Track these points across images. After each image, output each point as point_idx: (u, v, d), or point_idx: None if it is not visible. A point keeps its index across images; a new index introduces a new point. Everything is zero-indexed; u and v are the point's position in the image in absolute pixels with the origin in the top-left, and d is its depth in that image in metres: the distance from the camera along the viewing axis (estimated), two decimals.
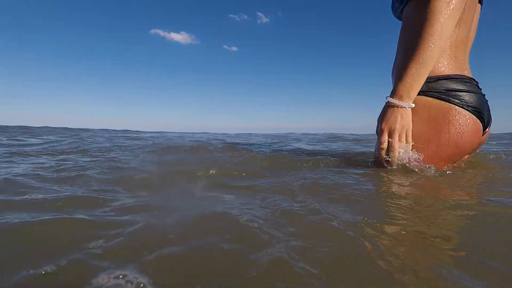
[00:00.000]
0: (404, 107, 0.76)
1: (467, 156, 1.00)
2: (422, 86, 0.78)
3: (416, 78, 0.73)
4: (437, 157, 0.80)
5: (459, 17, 0.76)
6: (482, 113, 0.82)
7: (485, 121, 0.85)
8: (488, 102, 0.86)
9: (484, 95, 0.86)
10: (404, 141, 0.77)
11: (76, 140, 3.05)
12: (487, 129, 0.90)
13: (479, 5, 0.88)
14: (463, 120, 0.78)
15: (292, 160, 1.26)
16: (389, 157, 0.81)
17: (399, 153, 0.78)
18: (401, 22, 0.95)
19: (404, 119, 0.76)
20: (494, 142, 2.78)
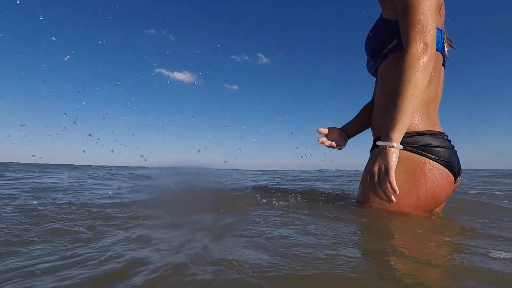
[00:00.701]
0: (397, 148, 0.81)
1: (441, 205, 1.08)
2: (402, 141, 0.84)
3: (402, 124, 0.79)
4: (416, 207, 0.87)
5: (433, 74, 0.87)
6: (453, 166, 0.90)
7: (456, 173, 0.93)
8: (457, 153, 0.96)
9: (453, 147, 0.95)
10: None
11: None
12: (458, 179, 0.99)
13: (442, 67, 0.97)
14: (437, 174, 0.86)
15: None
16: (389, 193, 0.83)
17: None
18: (374, 78, 1.09)
19: (397, 158, 0.81)
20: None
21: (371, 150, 1.01)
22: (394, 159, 0.80)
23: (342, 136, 1.19)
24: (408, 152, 0.86)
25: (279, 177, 4.21)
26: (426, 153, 0.86)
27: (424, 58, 0.77)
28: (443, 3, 0.92)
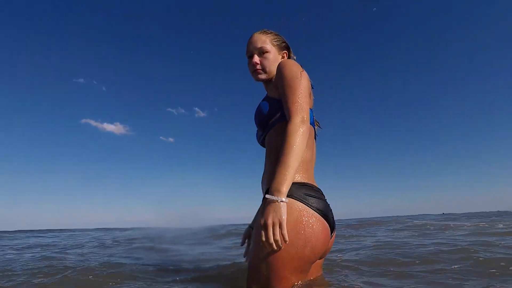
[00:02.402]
0: (285, 201, 0.88)
1: (320, 261, 1.13)
2: (291, 190, 0.92)
3: (289, 179, 0.89)
4: (298, 258, 0.89)
5: (309, 145, 1.04)
6: (329, 218, 0.99)
7: (331, 226, 1.02)
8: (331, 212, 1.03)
9: (329, 204, 1.04)
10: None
11: None
12: (333, 233, 1.06)
13: (314, 139, 1.16)
14: (316, 222, 0.93)
15: None
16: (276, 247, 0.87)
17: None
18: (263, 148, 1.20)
19: (284, 212, 0.87)
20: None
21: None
22: (284, 213, 0.86)
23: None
24: (294, 200, 0.93)
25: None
26: (308, 202, 0.94)
27: (303, 128, 0.93)
28: (312, 92, 1.14)
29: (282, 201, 0.87)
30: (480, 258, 1.84)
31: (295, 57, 1.28)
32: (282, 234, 0.86)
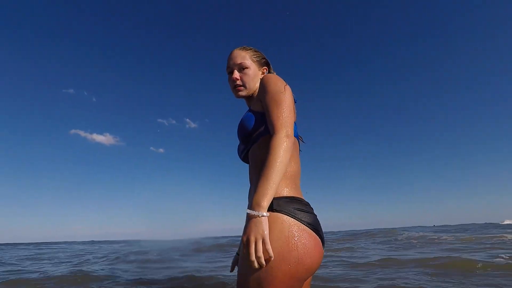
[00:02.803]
0: (267, 216, 0.86)
1: (309, 278, 1.06)
2: (277, 205, 0.92)
3: (271, 193, 0.87)
4: (290, 276, 0.85)
5: (294, 159, 1.06)
6: (320, 233, 0.97)
7: (322, 241, 0.98)
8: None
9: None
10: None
11: None
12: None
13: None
14: (308, 238, 0.90)
15: None
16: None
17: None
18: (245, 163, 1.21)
19: (266, 227, 0.85)
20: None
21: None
22: (266, 228, 0.84)
23: None
24: (282, 215, 0.91)
25: None
26: (298, 217, 0.92)
27: (287, 142, 0.93)
28: (295, 107, 1.15)
29: (263, 216, 0.84)
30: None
31: (274, 73, 1.29)
32: (266, 250, 0.82)
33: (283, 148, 0.91)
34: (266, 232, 0.83)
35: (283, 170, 0.90)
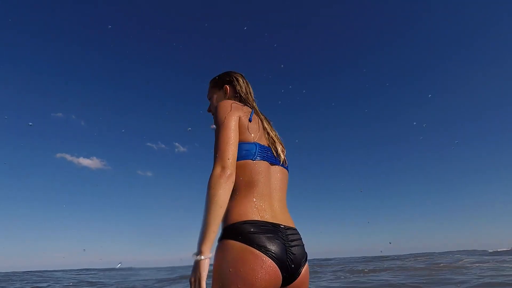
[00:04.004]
0: (205, 258, 0.92)
1: None
2: (228, 231, 0.97)
3: (208, 237, 0.92)
4: None
5: (250, 181, 1.04)
6: (275, 253, 0.94)
7: (282, 260, 0.96)
8: (296, 246, 1.01)
9: (287, 239, 1.01)
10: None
11: None
12: (300, 270, 1.02)
13: (273, 168, 1.12)
14: (255, 259, 0.91)
15: None
16: None
17: None
18: None
19: (207, 268, 0.92)
20: None
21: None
22: (203, 271, 0.91)
23: None
24: (229, 241, 0.95)
25: None
26: (244, 241, 0.93)
27: (221, 179, 0.96)
28: (258, 122, 1.16)
29: (201, 259, 0.91)
30: None
31: (240, 81, 1.32)
32: None
33: (217, 187, 0.95)
34: (204, 273, 0.91)
35: (218, 210, 0.94)
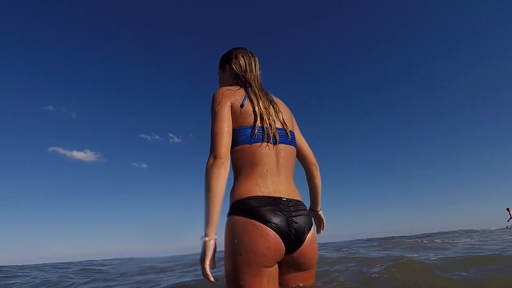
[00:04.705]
0: (209, 240, 1.00)
1: (303, 273, 1.12)
2: (233, 208, 1.06)
3: (210, 221, 1.01)
4: (247, 263, 0.98)
5: (250, 163, 1.10)
6: (273, 223, 1.02)
7: (288, 233, 1.03)
8: (299, 216, 1.07)
9: (289, 210, 1.07)
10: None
11: None
12: (304, 237, 1.08)
13: (271, 146, 1.14)
14: (255, 229, 1.00)
15: None
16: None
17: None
18: None
19: (211, 248, 1.01)
20: None
21: None
22: (207, 251, 1.00)
23: None
24: (232, 217, 1.05)
25: None
26: (245, 214, 1.02)
27: (213, 168, 1.03)
28: (257, 104, 1.16)
29: (206, 241, 1.00)
30: None
31: (239, 58, 1.32)
32: (203, 269, 1.00)
33: (211, 176, 1.03)
34: (208, 252, 1.00)
35: (215, 196, 1.01)
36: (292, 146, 1.23)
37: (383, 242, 6.12)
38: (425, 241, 5.14)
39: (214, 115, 1.13)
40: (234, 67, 1.31)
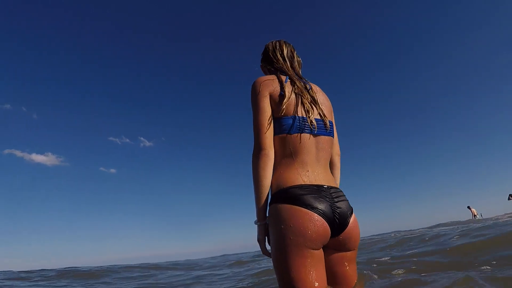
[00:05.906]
0: (260, 224, 1.16)
1: (343, 254, 1.18)
2: (276, 196, 1.12)
3: (258, 206, 1.15)
4: (294, 245, 1.04)
5: (291, 152, 1.16)
6: (316, 208, 1.07)
7: (332, 218, 1.09)
8: (341, 201, 1.14)
9: (331, 197, 1.13)
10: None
11: None
12: (348, 220, 1.14)
13: (310, 137, 1.19)
14: (301, 214, 1.05)
15: None
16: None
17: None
18: None
19: (263, 231, 1.17)
20: None
21: None
22: (261, 234, 1.18)
23: None
24: (276, 205, 1.10)
25: None
26: (290, 201, 1.07)
27: (257, 159, 1.14)
28: (296, 92, 1.20)
29: (258, 225, 1.16)
30: None
31: (271, 49, 1.39)
32: (260, 248, 1.20)
33: (256, 166, 1.13)
34: (261, 236, 1.17)
35: (262, 185, 1.12)
36: (330, 136, 1.25)
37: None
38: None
39: (254, 107, 1.17)
40: (271, 56, 1.36)
